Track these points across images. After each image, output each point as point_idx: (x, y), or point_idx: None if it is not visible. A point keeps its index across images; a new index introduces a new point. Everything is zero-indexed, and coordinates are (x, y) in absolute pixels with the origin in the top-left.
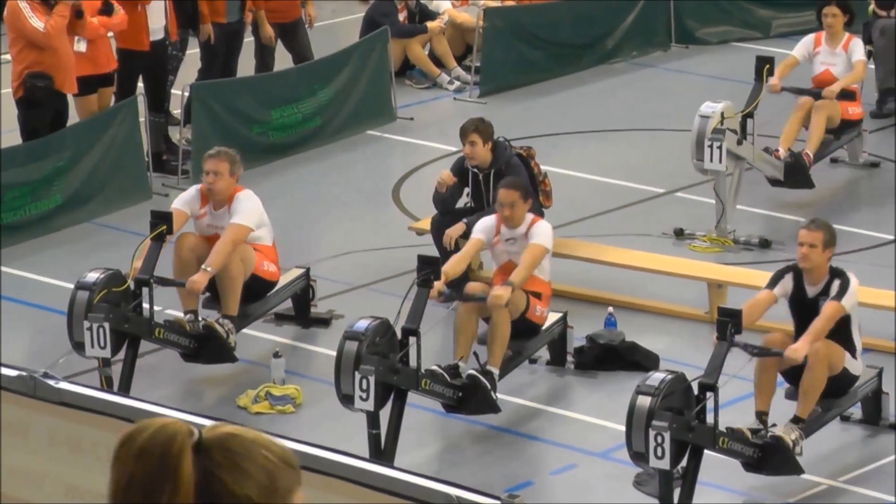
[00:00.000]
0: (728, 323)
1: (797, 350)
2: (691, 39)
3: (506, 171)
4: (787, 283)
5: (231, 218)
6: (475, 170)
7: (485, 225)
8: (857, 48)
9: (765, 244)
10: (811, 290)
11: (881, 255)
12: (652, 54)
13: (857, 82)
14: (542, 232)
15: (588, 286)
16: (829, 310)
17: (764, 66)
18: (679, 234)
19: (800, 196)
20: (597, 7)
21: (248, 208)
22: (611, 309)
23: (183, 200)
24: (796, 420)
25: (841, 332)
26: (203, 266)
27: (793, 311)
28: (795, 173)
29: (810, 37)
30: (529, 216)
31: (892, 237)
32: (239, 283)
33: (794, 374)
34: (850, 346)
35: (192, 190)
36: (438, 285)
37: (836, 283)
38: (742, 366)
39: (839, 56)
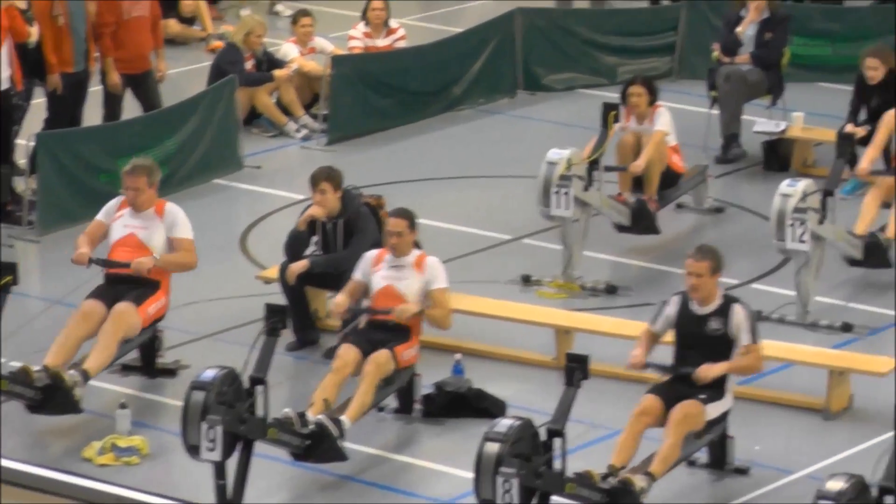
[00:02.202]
0: (575, 369)
1: (709, 370)
2: (538, 86)
3: (355, 221)
4: (671, 310)
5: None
6: (324, 219)
7: (363, 264)
8: (661, 118)
9: (611, 290)
10: (699, 309)
11: None
12: (499, 101)
13: (657, 155)
14: (440, 274)
15: (435, 333)
16: (755, 353)
17: (610, 112)
18: (526, 280)
19: (646, 241)
20: (444, 54)
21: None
22: (458, 356)
23: (104, 211)
24: (649, 475)
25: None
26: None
27: (677, 331)
28: (641, 219)
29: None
30: (417, 251)
31: (736, 282)
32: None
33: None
34: (725, 386)
35: (114, 200)
36: (341, 300)
37: (742, 315)
38: (594, 413)
39: (645, 128)
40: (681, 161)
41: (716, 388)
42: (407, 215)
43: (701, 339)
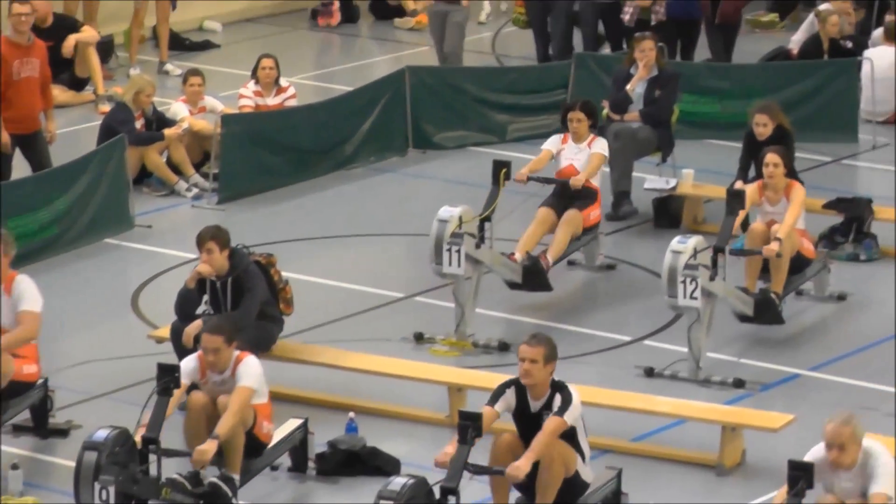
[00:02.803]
0: (468, 426)
1: (519, 468)
2: (429, 144)
3: (244, 279)
4: (510, 397)
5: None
6: (213, 278)
7: (188, 368)
8: (598, 144)
9: (504, 347)
10: (534, 405)
11: (618, 356)
12: (390, 159)
13: (595, 172)
14: (249, 373)
15: (329, 392)
16: (551, 425)
17: (501, 169)
18: (419, 338)
19: (538, 299)
20: (335, 113)
21: None
22: (352, 414)
23: None
24: None
25: (568, 442)
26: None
27: (517, 424)
28: (533, 277)
29: (557, 136)
30: (235, 354)
31: (629, 338)
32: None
33: (528, 484)
34: (579, 453)
35: None
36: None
37: (558, 398)
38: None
39: (583, 151)
40: (598, 210)
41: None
42: (223, 330)
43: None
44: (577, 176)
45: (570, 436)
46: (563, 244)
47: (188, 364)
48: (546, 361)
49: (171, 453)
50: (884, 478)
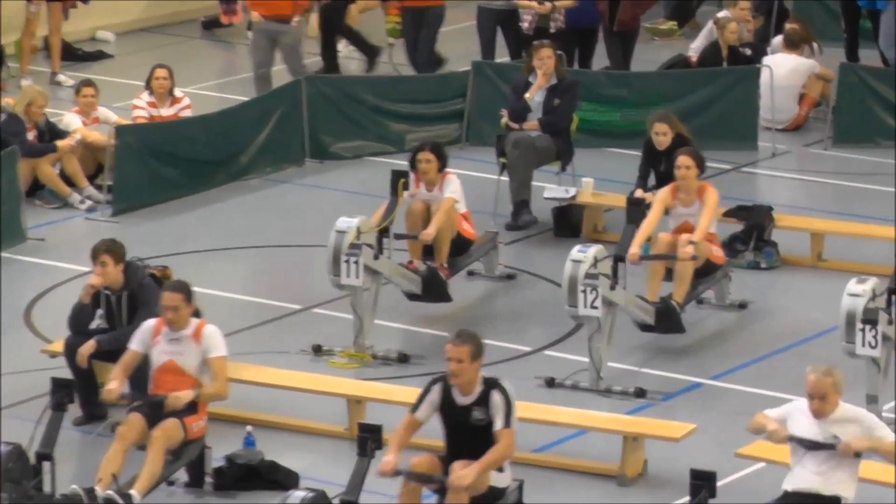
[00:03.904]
0: (368, 439)
1: (463, 477)
2: (326, 154)
3: (139, 293)
4: (435, 396)
5: None
6: (107, 292)
7: (141, 334)
8: (450, 185)
9: (403, 358)
10: (462, 399)
11: (518, 366)
12: (287, 170)
13: (447, 222)
14: (219, 343)
15: (226, 405)
16: (506, 439)
17: (399, 179)
18: (317, 350)
19: (437, 310)
20: (230, 123)
21: None
22: (249, 428)
23: None
24: None
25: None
26: None
27: (443, 418)
28: (432, 287)
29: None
30: (195, 320)
31: (529, 349)
32: None
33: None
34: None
35: None
36: (114, 386)
37: (499, 400)
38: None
39: (435, 196)
40: (471, 228)
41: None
42: (182, 288)
43: (468, 430)
44: (426, 230)
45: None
46: (445, 245)
47: (145, 327)
48: (473, 359)
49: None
50: (880, 427)
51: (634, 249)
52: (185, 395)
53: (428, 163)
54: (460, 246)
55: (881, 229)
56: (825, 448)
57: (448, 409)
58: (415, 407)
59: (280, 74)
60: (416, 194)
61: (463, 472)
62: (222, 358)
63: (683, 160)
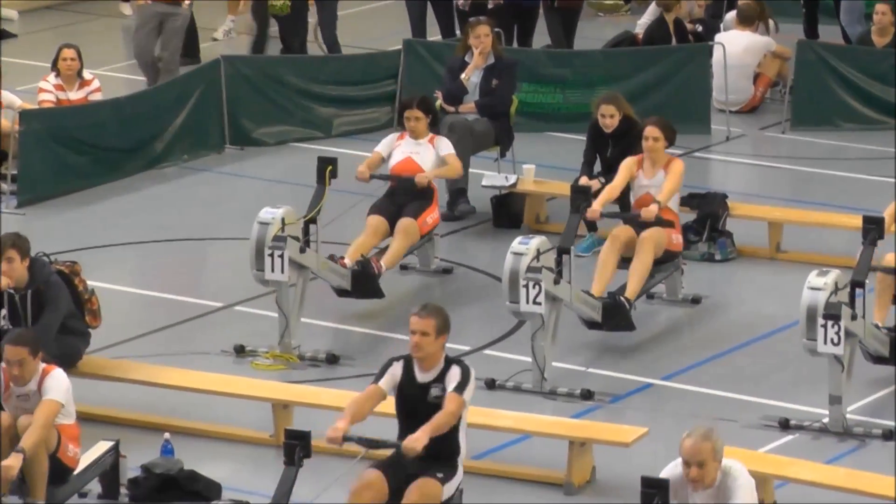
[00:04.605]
0: (296, 446)
1: (417, 440)
2: (247, 140)
3: (45, 291)
4: (397, 370)
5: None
6: (11, 290)
7: (387, 140)
8: (444, 144)
9: (332, 359)
10: (423, 377)
11: None
12: (205, 157)
13: (456, 175)
14: (56, 387)
15: (142, 411)
16: (452, 404)
17: (326, 167)
18: (240, 351)
19: (369, 306)
20: (144, 107)
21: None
22: (167, 435)
23: None
24: None
25: (449, 437)
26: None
27: (398, 398)
28: (363, 282)
29: (394, 135)
30: (41, 367)
31: (468, 348)
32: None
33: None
34: (456, 450)
35: None
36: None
37: (456, 371)
38: (327, 486)
39: (424, 147)
40: (436, 213)
41: (449, 464)
42: (27, 340)
43: (424, 408)
44: (422, 173)
45: (454, 428)
46: (399, 255)
47: None
48: (438, 333)
49: None
50: (743, 499)
51: (597, 206)
52: (15, 464)
53: (417, 120)
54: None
55: (843, 218)
56: None
57: (408, 386)
58: (376, 379)
59: (202, 54)
60: (399, 146)
61: (415, 436)
62: (52, 402)
63: (651, 130)
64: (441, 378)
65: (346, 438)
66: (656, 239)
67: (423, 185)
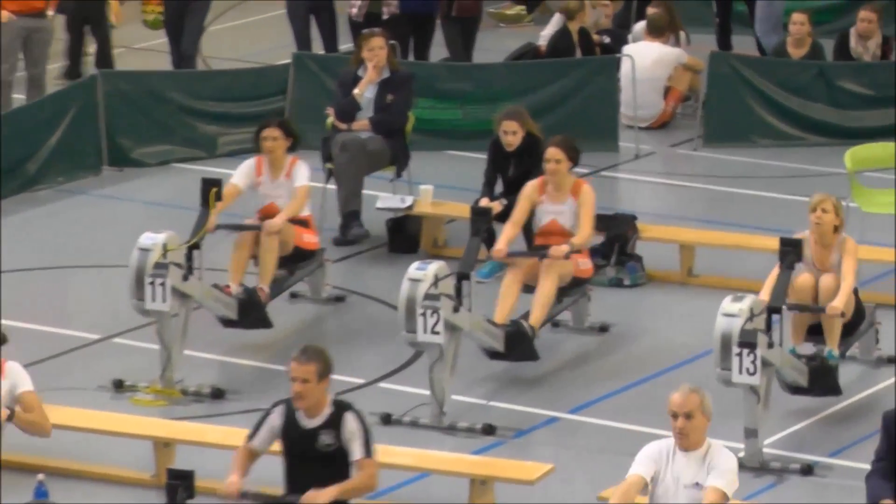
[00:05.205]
0: (178, 486)
1: (317, 497)
2: (126, 161)
3: None
4: (275, 420)
5: None
6: None
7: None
8: (300, 171)
9: (218, 394)
10: (308, 422)
11: (350, 400)
12: (82, 179)
13: (301, 210)
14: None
15: (13, 450)
16: (368, 469)
17: (210, 189)
18: (119, 386)
19: (256, 337)
20: (15, 126)
21: None
22: (41, 476)
23: None
24: None
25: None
26: None
27: (285, 447)
28: (250, 312)
29: (250, 161)
30: None
31: (362, 381)
32: None
33: None
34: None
35: None
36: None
37: (354, 425)
38: None
39: (282, 185)
40: (314, 237)
41: None
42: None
43: (313, 456)
44: (273, 220)
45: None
46: (273, 264)
47: None
48: (320, 378)
49: None
50: (726, 474)
51: (501, 246)
52: None
53: (274, 140)
54: (296, 260)
55: (759, 239)
56: None
57: (291, 433)
58: (252, 434)
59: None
60: (261, 183)
61: (317, 493)
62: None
63: (552, 152)
64: (331, 424)
65: (242, 495)
66: (562, 264)
67: (273, 231)
